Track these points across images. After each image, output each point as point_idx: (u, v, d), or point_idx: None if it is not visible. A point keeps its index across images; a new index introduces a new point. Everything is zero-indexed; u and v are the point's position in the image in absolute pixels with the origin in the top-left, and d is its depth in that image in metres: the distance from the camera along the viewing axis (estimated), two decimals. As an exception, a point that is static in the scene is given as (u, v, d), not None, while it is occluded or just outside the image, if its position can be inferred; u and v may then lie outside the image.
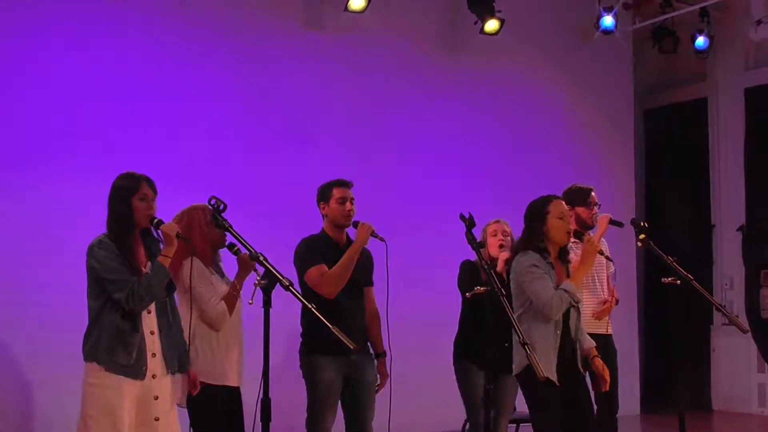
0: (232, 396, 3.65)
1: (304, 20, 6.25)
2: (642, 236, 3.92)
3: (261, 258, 2.94)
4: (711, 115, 7.98)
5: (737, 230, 7.69)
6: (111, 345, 3.14)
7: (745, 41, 7.60)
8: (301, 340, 3.98)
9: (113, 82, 5.41)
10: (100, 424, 3.12)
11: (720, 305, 4.01)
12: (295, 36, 6.16)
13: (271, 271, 2.88)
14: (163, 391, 3.25)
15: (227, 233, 3.35)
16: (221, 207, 3.16)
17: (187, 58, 5.71)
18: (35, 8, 5.19)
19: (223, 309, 3.54)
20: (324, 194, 3.99)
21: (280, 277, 2.86)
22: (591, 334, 3.94)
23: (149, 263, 3.28)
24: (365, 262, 4.03)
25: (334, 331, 2.92)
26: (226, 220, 3.19)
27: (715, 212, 7.91)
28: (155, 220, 3.25)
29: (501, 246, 4.23)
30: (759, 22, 7.13)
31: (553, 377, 3.56)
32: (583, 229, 4.46)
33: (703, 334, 7.76)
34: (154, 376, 3.21)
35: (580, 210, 4.49)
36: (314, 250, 3.89)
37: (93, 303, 3.20)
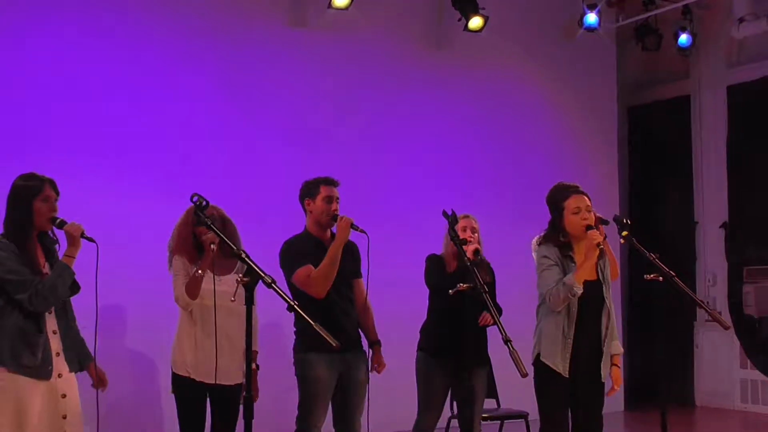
0: (222, 394, 3.67)
1: (289, 18, 6.23)
2: (624, 233, 3.92)
3: (243, 255, 2.93)
4: (694, 112, 8.02)
5: (720, 227, 7.73)
6: (15, 347, 3.10)
7: (727, 39, 7.63)
8: (294, 338, 3.97)
9: (97, 82, 5.38)
10: (6, 426, 3.08)
11: (702, 302, 4.02)
12: (279, 34, 6.15)
13: (253, 268, 2.87)
14: (70, 389, 3.25)
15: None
16: (203, 204, 3.14)
17: (171, 58, 5.68)
18: (18, 13, 5.15)
19: (181, 290, 3.66)
20: (310, 191, 3.94)
21: (263, 275, 2.85)
22: None
23: (47, 264, 3.25)
24: (351, 255, 3.99)
25: (316, 328, 2.91)
26: (207, 218, 3.17)
27: (698, 209, 7.95)
28: (58, 220, 3.23)
29: (468, 243, 4.23)
30: (741, 20, 7.17)
31: (559, 369, 3.59)
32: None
33: (687, 331, 7.80)
34: (60, 375, 3.21)
35: None
36: (299, 251, 3.86)
37: None
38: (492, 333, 4.34)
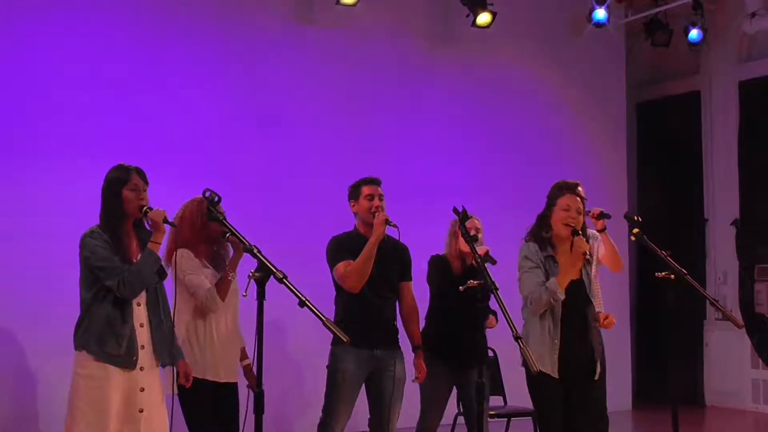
0: (225, 391, 3.65)
1: (296, 14, 6.22)
2: (635, 230, 3.88)
3: (255, 250, 2.93)
4: (704, 108, 7.95)
5: (731, 224, 7.66)
6: (101, 335, 3.18)
7: (739, 34, 7.57)
8: None
9: (103, 76, 5.38)
10: (87, 415, 3.15)
11: (714, 300, 3.97)
12: (286, 29, 6.13)
13: (264, 263, 2.86)
14: (149, 383, 3.27)
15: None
16: (216, 199, 3.14)
17: (177, 53, 5.69)
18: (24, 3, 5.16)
19: (212, 292, 3.56)
20: (354, 192, 4.07)
21: (274, 270, 2.85)
22: None
23: (140, 254, 3.30)
24: (399, 258, 4.04)
25: (327, 323, 2.93)
26: (220, 212, 3.18)
27: (709, 206, 7.89)
28: (145, 208, 3.28)
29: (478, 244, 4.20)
30: (753, 15, 7.11)
31: (548, 370, 3.54)
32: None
33: (696, 329, 7.74)
34: (141, 368, 3.25)
35: None
36: (342, 247, 3.96)
37: (85, 294, 3.25)
38: (495, 332, 4.33)
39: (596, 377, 3.70)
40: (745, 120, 7.62)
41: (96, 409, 3.14)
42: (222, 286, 3.59)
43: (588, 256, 3.66)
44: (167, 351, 3.35)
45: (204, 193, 3.15)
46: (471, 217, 4.25)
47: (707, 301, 3.97)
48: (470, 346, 3.97)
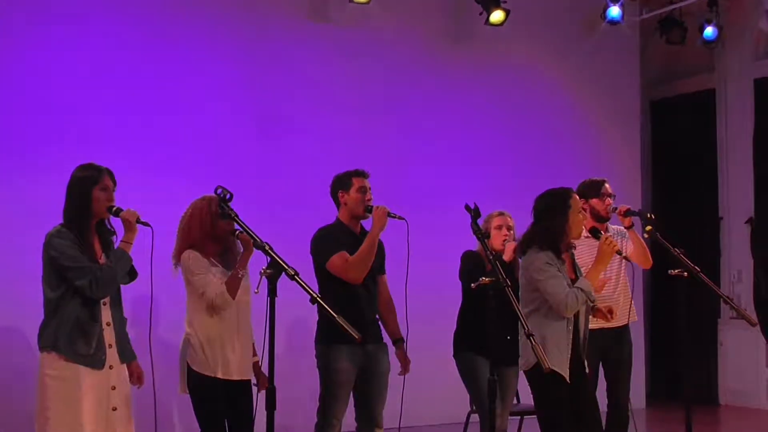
0: (239, 389, 3.64)
1: (310, 11, 6.24)
2: (648, 228, 3.88)
3: (267, 247, 2.94)
4: (719, 106, 7.90)
5: (745, 222, 7.61)
6: (71, 335, 3.17)
7: (754, 31, 7.51)
8: (317, 329, 3.98)
9: (119, 73, 5.41)
10: (60, 415, 3.14)
11: (728, 298, 3.96)
12: (300, 27, 6.15)
13: (276, 260, 2.87)
14: (119, 381, 3.31)
15: (235, 225, 3.35)
16: (227, 197, 3.15)
17: (192, 50, 5.71)
18: (51, 11, 5.22)
19: (222, 289, 3.54)
20: (343, 183, 4.00)
21: (286, 267, 2.86)
22: (604, 328, 3.91)
23: (104, 255, 3.31)
24: (378, 251, 4.02)
25: (339, 320, 2.93)
26: (232, 210, 3.19)
27: (723, 204, 7.84)
28: (114, 208, 3.29)
29: (505, 241, 4.20)
30: (769, 12, 7.06)
31: (565, 374, 3.55)
32: (597, 221, 4.41)
33: (711, 328, 7.70)
34: (111, 367, 3.27)
35: (594, 202, 4.47)
36: (332, 239, 3.91)
37: (51, 293, 3.23)
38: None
39: (586, 370, 3.73)
40: (761, 117, 7.56)
41: (69, 410, 3.14)
42: (232, 284, 3.56)
43: (623, 254, 3.69)
44: (127, 349, 3.38)
45: (216, 191, 3.17)
46: (503, 213, 4.28)
47: (721, 300, 3.95)
48: (503, 343, 3.92)
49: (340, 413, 3.88)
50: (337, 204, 4.04)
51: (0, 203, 5.01)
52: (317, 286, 3.94)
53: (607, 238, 3.67)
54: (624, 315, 4.51)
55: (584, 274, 3.70)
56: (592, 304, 3.64)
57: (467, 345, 4.24)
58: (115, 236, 3.42)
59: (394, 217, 3.86)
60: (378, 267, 4.05)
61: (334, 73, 6.21)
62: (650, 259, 4.56)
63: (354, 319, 3.56)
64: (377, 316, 4.08)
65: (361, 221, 4.05)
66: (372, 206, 3.94)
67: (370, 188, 4.00)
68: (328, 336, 3.87)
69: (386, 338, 4.13)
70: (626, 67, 7.66)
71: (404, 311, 4.00)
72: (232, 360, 3.60)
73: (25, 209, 4.95)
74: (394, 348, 4.13)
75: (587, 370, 3.74)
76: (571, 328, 3.62)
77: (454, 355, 4.34)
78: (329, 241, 3.92)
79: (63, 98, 5.23)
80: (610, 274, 4.40)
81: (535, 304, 3.63)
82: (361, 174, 4.01)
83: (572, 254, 3.76)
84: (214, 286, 3.54)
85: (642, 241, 4.50)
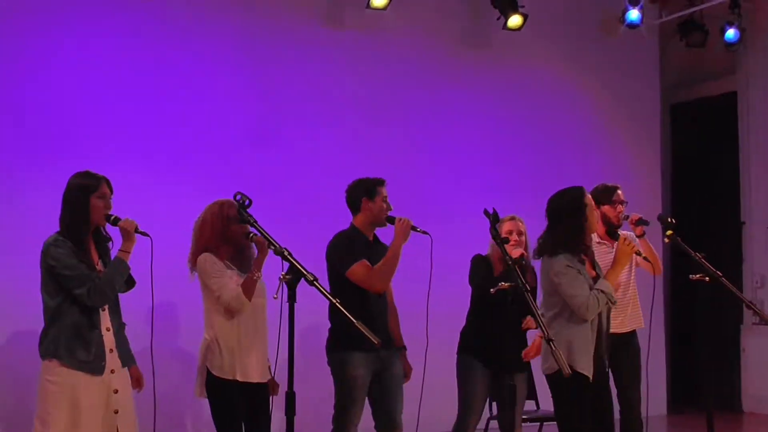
0: (255, 392, 3.64)
1: (326, 18, 6.24)
2: (669, 232, 3.85)
3: (285, 253, 2.95)
4: (741, 109, 7.82)
5: (768, 228, 7.53)
6: (70, 342, 3.19)
7: (777, 33, 7.44)
8: (328, 336, 3.98)
9: (130, 82, 5.41)
10: (59, 421, 3.16)
11: (750, 302, 3.92)
12: (316, 33, 6.15)
13: (295, 266, 2.87)
14: (122, 384, 3.33)
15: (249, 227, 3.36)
16: (246, 203, 3.16)
17: (207, 58, 5.72)
18: (67, 13, 5.24)
19: (237, 292, 3.54)
20: (368, 190, 3.98)
21: (305, 272, 2.86)
22: (612, 334, 3.90)
23: (100, 261, 3.33)
24: None
25: (358, 326, 2.94)
26: (251, 216, 3.20)
27: (745, 209, 7.75)
28: (112, 217, 3.30)
29: (513, 246, 4.18)
30: (793, 14, 6.98)
31: (590, 375, 3.55)
32: (609, 227, 4.40)
33: (733, 334, 7.61)
34: (112, 371, 3.29)
35: (605, 209, 4.47)
36: (352, 247, 3.92)
37: (49, 301, 3.25)
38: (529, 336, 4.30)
39: (607, 370, 3.73)
40: (783, 121, 7.49)
41: (69, 416, 3.16)
42: (248, 286, 3.56)
43: (641, 254, 3.69)
44: (127, 353, 3.40)
45: (235, 197, 3.18)
46: (514, 217, 4.26)
47: (744, 305, 3.91)
48: (508, 349, 3.92)
49: (356, 419, 3.88)
50: (354, 209, 4.04)
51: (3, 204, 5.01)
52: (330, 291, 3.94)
53: (625, 239, 3.67)
54: (632, 321, 4.49)
55: (604, 275, 3.67)
56: (612, 306, 3.61)
57: (468, 348, 4.22)
58: (111, 243, 3.43)
59: (418, 231, 3.86)
60: None
61: (350, 80, 6.20)
62: (660, 267, 4.58)
63: (370, 327, 3.58)
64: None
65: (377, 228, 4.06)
66: (393, 217, 3.94)
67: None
68: (342, 343, 3.87)
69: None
70: (646, 70, 7.60)
71: (425, 319, 3.97)
72: (250, 363, 3.62)
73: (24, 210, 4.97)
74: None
75: (607, 370, 3.73)
76: (595, 329, 3.60)
77: (457, 354, 4.30)
78: (349, 248, 3.91)
79: (62, 100, 5.21)
80: (620, 279, 4.37)
81: (558, 307, 3.61)
82: (383, 183, 4.03)
83: (592, 252, 3.73)
84: (230, 289, 3.56)
85: (652, 249, 4.49)
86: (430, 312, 4.15)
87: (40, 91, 5.15)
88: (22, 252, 4.82)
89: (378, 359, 3.88)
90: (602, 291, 3.53)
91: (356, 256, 3.87)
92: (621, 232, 4.56)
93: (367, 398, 3.94)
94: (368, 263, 3.87)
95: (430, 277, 3.86)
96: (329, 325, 3.99)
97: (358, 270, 3.85)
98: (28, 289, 4.77)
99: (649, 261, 4.21)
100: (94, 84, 5.31)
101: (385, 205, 3.97)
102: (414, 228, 3.86)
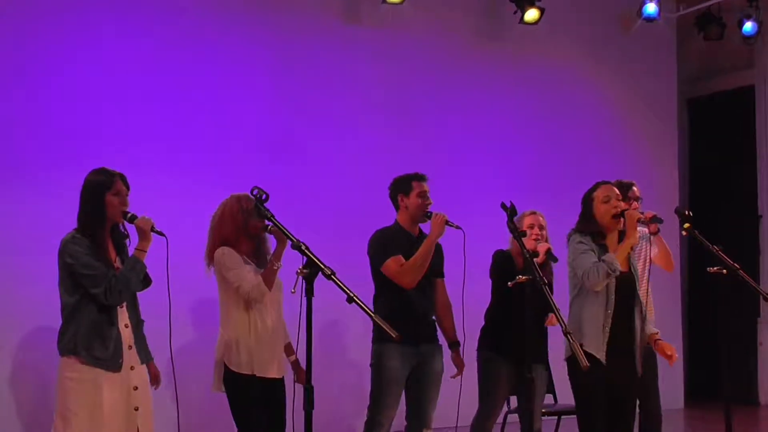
0: (272, 387, 3.66)
1: (342, 13, 6.25)
2: (686, 225, 3.85)
3: (303, 247, 2.95)
4: (759, 103, 7.78)
5: (785, 221, 7.50)
6: (89, 339, 3.20)
7: (796, 26, 7.38)
8: (372, 329, 4.01)
9: (148, 81, 5.43)
10: (80, 418, 3.17)
11: (768, 296, 3.92)
12: (333, 29, 6.16)
13: (313, 260, 2.89)
14: (141, 381, 3.34)
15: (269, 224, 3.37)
16: (263, 197, 3.18)
17: (224, 55, 5.74)
18: (89, 15, 5.27)
19: (258, 281, 3.55)
20: (403, 186, 4.06)
21: (322, 266, 2.87)
22: None
23: (118, 258, 3.34)
24: (436, 254, 4.07)
25: (375, 319, 2.96)
26: (268, 210, 3.21)
27: (763, 202, 7.72)
28: (129, 215, 3.29)
29: (536, 240, 4.20)
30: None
31: (600, 356, 3.59)
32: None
33: (750, 327, 7.59)
34: (132, 368, 3.30)
35: None
36: (390, 242, 3.97)
37: (68, 298, 3.24)
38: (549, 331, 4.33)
39: (639, 373, 3.75)
40: (802, 114, 7.44)
41: (89, 412, 3.17)
42: (268, 276, 3.57)
43: (643, 222, 3.77)
44: (145, 350, 3.41)
45: (252, 191, 3.18)
46: (534, 212, 4.29)
47: (761, 298, 3.90)
48: (529, 343, 3.91)
49: (389, 411, 3.92)
50: (396, 206, 4.10)
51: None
52: (374, 287, 4.03)
53: (629, 212, 3.74)
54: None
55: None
56: (613, 274, 3.64)
57: (490, 343, 4.24)
58: (128, 239, 3.42)
59: (452, 226, 3.91)
60: (436, 270, 4.09)
61: (367, 75, 6.21)
62: (673, 263, 4.61)
63: (406, 320, 3.65)
64: (434, 318, 4.12)
65: (420, 224, 4.10)
66: (431, 212, 3.99)
67: (428, 192, 4.06)
68: (381, 335, 3.91)
69: (442, 340, 4.17)
70: (663, 64, 7.57)
71: (461, 317, 4.04)
72: (268, 358, 3.63)
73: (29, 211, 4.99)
74: (450, 351, 4.16)
75: (639, 368, 3.74)
76: (610, 312, 3.65)
77: (477, 350, 4.33)
78: (385, 244, 3.98)
79: (74, 100, 5.22)
80: None
81: (577, 288, 3.75)
82: (420, 178, 4.07)
83: (615, 242, 3.77)
84: (250, 279, 3.56)
85: (666, 246, 4.50)
86: (454, 308, 4.21)
87: (65, 93, 5.20)
88: (45, 252, 4.95)
89: (417, 353, 3.94)
90: (604, 260, 3.62)
91: (391, 251, 3.93)
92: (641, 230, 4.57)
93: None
94: (402, 259, 3.92)
95: (464, 272, 3.92)
96: (349, 320, 4.05)
97: (390, 265, 3.92)
98: (53, 288, 4.93)
99: (647, 226, 4.20)
100: (119, 87, 5.34)
101: (420, 201, 4.01)
102: (448, 223, 3.91)
